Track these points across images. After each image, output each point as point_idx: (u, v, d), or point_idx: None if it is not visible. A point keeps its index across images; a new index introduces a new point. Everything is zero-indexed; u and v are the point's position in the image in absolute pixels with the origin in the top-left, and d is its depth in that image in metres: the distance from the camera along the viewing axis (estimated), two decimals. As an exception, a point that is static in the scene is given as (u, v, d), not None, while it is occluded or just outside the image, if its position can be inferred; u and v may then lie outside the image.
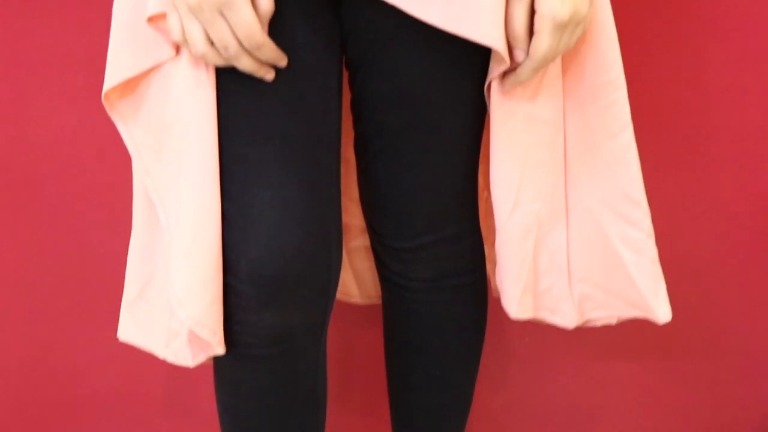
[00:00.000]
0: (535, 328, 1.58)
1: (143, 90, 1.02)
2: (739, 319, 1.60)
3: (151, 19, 0.97)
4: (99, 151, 1.47)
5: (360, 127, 1.10)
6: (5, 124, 1.47)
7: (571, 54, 1.05)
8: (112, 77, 1.00)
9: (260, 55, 0.95)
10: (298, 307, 1.05)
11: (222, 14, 0.91)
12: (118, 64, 1.00)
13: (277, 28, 0.95)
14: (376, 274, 1.30)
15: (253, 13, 0.92)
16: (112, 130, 1.05)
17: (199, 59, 0.96)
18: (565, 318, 1.15)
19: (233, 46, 0.93)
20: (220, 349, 1.03)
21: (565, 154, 1.09)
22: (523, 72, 1.00)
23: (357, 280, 1.36)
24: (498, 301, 1.16)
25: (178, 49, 0.99)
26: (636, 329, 1.39)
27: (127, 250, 1.11)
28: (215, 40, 0.93)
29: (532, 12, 0.97)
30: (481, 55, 1.01)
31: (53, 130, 1.47)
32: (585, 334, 1.57)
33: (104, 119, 1.04)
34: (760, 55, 1.45)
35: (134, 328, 1.12)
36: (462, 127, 1.07)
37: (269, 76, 0.97)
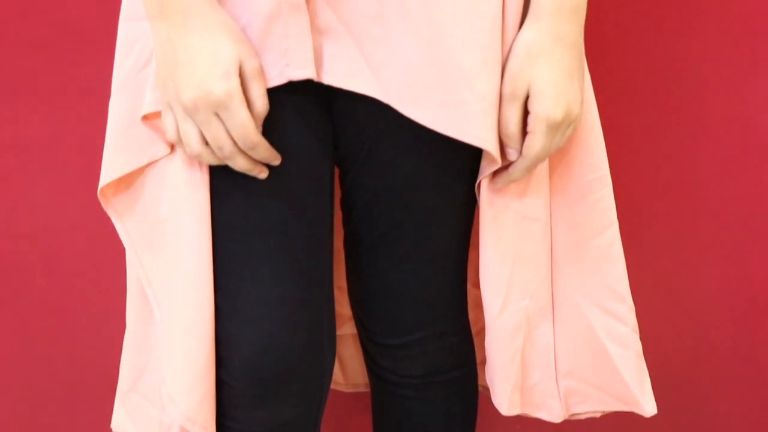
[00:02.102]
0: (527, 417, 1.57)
1: (138, 186, 1.03)
2: (723, 410, 1.61)
3: (146, 118, 0.99)
4: (92, 242, 1.48)
5: (350, 225, 1.11)
6: (-3, 212, 1.48)
7: (559, 152, 1.06)
8: (108, 174, 1.02)
9: (254, 155, 0.96)
10: (292, 404, 1.05)
11: (217, 115, 0.92)
12: (114, 161, 1.01)
13: (270, 127, 0.97)
14: (363, 362, 1.30)
15: (249, 114, 0.93)
16: (105, 222, 1.06)
17: (193, 158, 0.97)
18: (551, 413, 1.16)
19: (228, 147, 0.94)
20: None
21: (551, 250, 1.11)
22: (516, 171, 1.01)
23: (343, 368, 1.36)
24: (487, 388, 1.17)
25: (172, 146, 1.00)
26: (623, 420, 1.39)
27: (122, 339, 1.11)
28: (210, 141, 0.94)
29: (525, 112, 0.99)
30: (472, 153, 1.03)
31: (45, 219, 1.48)
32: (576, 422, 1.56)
33: (98, 210, 1.05)
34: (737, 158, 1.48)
35: (127, 419, 1.12)
36: (452, 226, 1.08)
37: (263, 174, 0.98)
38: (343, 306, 1.28)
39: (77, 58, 1.39)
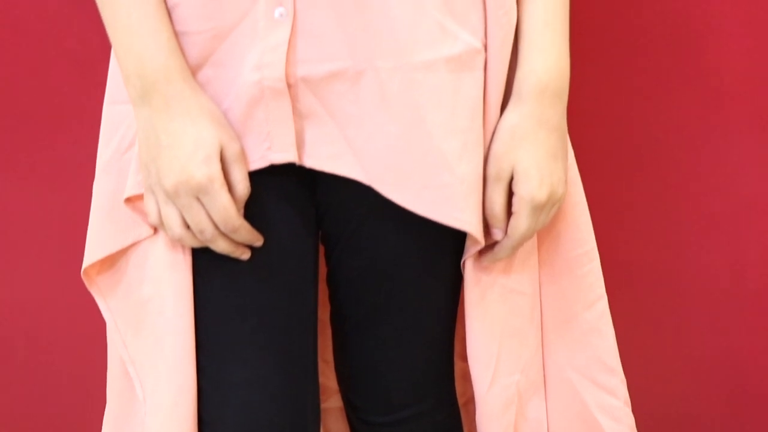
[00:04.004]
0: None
1: (122, 266, 1.04)
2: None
3: (129, 200, 1.00)
4: (74, 320, 1.47)
5: (336, 302, 1.11)
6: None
7: (546, 228, 1.07)
8: (91, 254, 1.02)
9: (236, 238, 0.96)
10: None
11: (198, 199, 0.93)
12: (98, 241, 1.02)
13: (252, 208, 0.97)
14: None
15: (230, 198, 0.94)
16: (87, 300, 1.06)
17: (175, 241, 0.97)
18: None
19: (209, 230, 0.95)
20: None
21: (541, 324, 1.11)
22: (501, 250, 1.02)
23: None
24: None
25: (156, 228, 1.00)
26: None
27: (101, 419, 1.10)
28: (191, 224, 0.95)
29: (510, 193, 1.00)
30: (456, 232, 1.03)
31: (27, 295, 1.48)
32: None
33: (81, 288, 1.06)
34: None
35: None
36: (439, 304, 1.08)
37: (245, 256, 0.99)
38: (329, 379, 1.27)
39: (62, 138, 1.40)
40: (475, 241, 1.01)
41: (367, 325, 1.08)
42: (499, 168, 1.00)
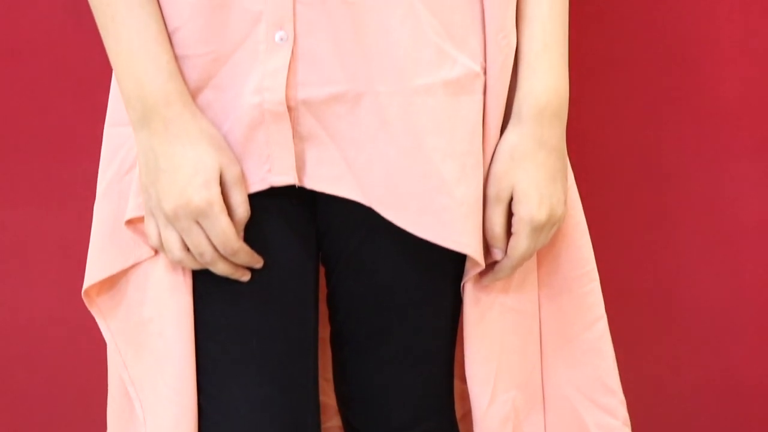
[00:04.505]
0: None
1: (122, 286, 1.04)
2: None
3: (130, 222, 1.00)
4: (73, 341, 1.48)
5: (336, 324, 1.11)
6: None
7: (545, 249, 1.07)
8: (92, 275, 1.03)
9: (236, 260, 0.97)
10: None
11: (198, 223, 0.94)
12: (99, 262, 1.02)
13: (252, 229, 0.98)
14: None
15: (230, 221, 0.94)
16: (88, 320, 1.06)
17: (175, 263, 0.98)
18: None
19: (209, 253, 0.95)
20: None
21: (540, 343, 1.11)
22: (501, 270, 1.03)
23: None
24: None
25: (156, 249, 1.01)
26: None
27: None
28: (191, 247, 0.95)
29: (510, 213, 1.01)
30: (456, 253, 1.03)
31: (28, 317, 1.48)
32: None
33: (81, 308, 1.06)
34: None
35: None
36: (439, 325, 1.08)
37: (245, 277, 0.99)
38: (331, 398, 1.27)
39: (62, 159, 1.40)
40: (475, 264, 1.01)
41: (367, 346, 1.08)
42: (498, 189, 1.00)
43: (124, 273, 1.03)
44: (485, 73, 0.99)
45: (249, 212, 0.96)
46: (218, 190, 0.94)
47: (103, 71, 1.04)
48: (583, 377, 1.11)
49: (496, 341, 1.06)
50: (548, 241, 1.04)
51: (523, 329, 1.08)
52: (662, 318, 1.51)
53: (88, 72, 1.34)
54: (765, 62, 1.42)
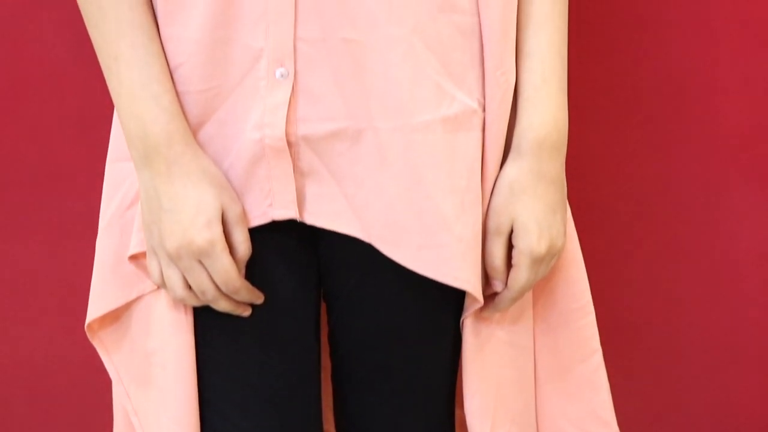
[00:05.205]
0: None
1: (126, 319, 1.05)
2: None
3: (133, 257, 1.01)
4: (77, 374, 1.48)
5: (336, 360, 1.11)
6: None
7: (542, 282, 1.07)
8: (96, 308, 1.03)
9: (237, 298, 0.98)
10: None
11: (200, 262, 0.95)
12: (102, 296, 1.03)
13: (253, 265, 0.98)
14: None
15: (231, 260, 0.95)
16: (90, 353, 1.07)
17: (177, 301, 0.99)
18: None
19: (211, 292, 0.96)
20: None
21: (535, 375, 1.11)
22: (501, 302, 1.03)
23: None
24: None
25: None
26: None
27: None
28: (193, 286, 0.96)
29: (510, 245, 1.01)
30: (457, 289, 1.03)
31: (29, 350, 1.48)
32: None
33: (84, 342, 1.07)
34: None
35: None
36: (440, 361, 1.08)
37: (246, 313, 1.00)
38: (332, 425, 1.28)
39: (64, 194, 1.41)
40: (475, 299, 1.01)
41: (367, 383, 1.08)
42: (498, 222, 1.01)
43: (127, 306, 1.04)
44: (484, 109, 0.99)
45: (250, 250, 0.97)
46: (220, 229, 0.94)
47: (105, 106, 1.04)
48: (578, 410, 1.11)
49: (493, 376, 1.06)
50: (547, 273, 1.04)
51: (519, 363, 1.08)
52: (660, 351, 1.51)
53: (90, 107, 1.34)
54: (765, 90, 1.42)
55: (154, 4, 0.96)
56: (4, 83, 1.39)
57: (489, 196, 1.01)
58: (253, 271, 0.99)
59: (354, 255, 1.02)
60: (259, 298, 0.99)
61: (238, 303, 0.98)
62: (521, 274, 1.01)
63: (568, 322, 1.09)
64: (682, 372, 1.52)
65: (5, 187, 1.42)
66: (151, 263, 0.98)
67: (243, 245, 0.96)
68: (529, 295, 1.08)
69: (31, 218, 1.42)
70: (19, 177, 1.41)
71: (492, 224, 1.01)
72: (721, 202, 1.45)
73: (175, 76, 0.97)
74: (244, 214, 0.97)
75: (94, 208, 1.05)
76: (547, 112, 1.01)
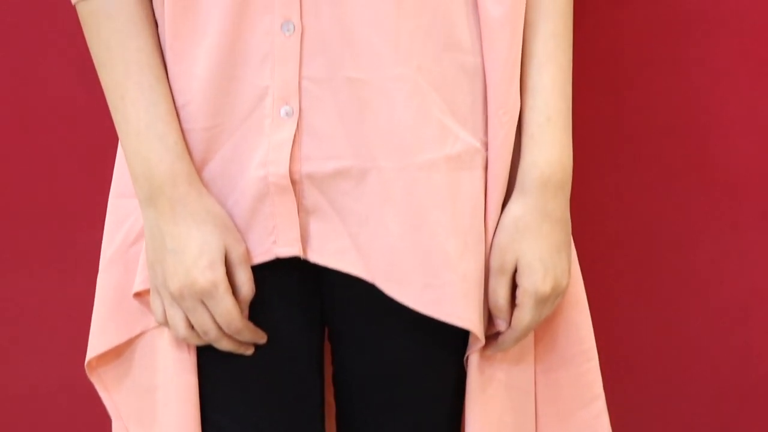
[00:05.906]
0: None
1: (128, 355, 1.04)
2: None
3: (138, 294, 1.00)
4: (77, 410, 1.47)
5: (341, 401, 1.10)
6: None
7: (543, 325, 1.06)
8: (98, 345, 1.03)
9: (240, 338, 0.97)
10: None
11: (203, 302, 0.94)
12: (104, 333, 1.03)
13: (256, 305, 0.98)
14: None
15: (234, 302, 0.95)
16: (89, 389, 1.07)
17: (180, 340, 0.98)
18: None
19: (213, 332, 0.96)
20: None
21: (536, 419, 1.11)
22: (505, 342, 1.02)
23: None
24: None
25: None
26: None
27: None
28: (196, 326, 0.96)
29: (514, 284, 1.01)
30: (460, 329, 1.02)
31: (29, 387, 1.47)
32: None
33: (81, 376, 1.06)
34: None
35: None
36: (443, 401, 1.07)
37: (249, 352, 0.99)
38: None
39: (67, 231, 1.40)
40: (477, 338, 1.01)
41: (372, 423, 1.07)
42: (502, 261, 1.00)
43: (129, 343, 1.03)
44: (486, 148, 0.99)
45: (254, 290, 0.97)
46: (223, 270, 0.94)
47: (109, 141, 1.04)
48: None
49: (494, 419, 1.05)
50: (550, 314, 1.04)
51: (519, 406, 1.07)
52: (665, 396, 1.50)
53: (94, 142, 1.33)
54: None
55: (162, 43, 0.97)
56: (11, 116, 1.38)
57: (492, 234, 1.01)
58: (255, 310, 0.98)
59: (357, 294, 1.01)
60: (261, 338, 0.99)
61: (240, 343, 0.98)
62: (525, 313, 1.00)
63: (569, 367, 1.08)
64: (689, 415, 1.50)
65: (6, 222, 1.41)
66: (155, 302, 0.97)
67: (246, 286, 0.96)
68: (530, 337, 1.07)
69: (31, 254, 1.41)
70: (18, 211, 1.40)
71: (495, 263, 1.00)
72: (728, 236, 1.43)
73: (181, 114, 0.97)
74: (247, 255, 0.96)
75: (97, 242, 1.04)
76: (551, 150, 1.01)
